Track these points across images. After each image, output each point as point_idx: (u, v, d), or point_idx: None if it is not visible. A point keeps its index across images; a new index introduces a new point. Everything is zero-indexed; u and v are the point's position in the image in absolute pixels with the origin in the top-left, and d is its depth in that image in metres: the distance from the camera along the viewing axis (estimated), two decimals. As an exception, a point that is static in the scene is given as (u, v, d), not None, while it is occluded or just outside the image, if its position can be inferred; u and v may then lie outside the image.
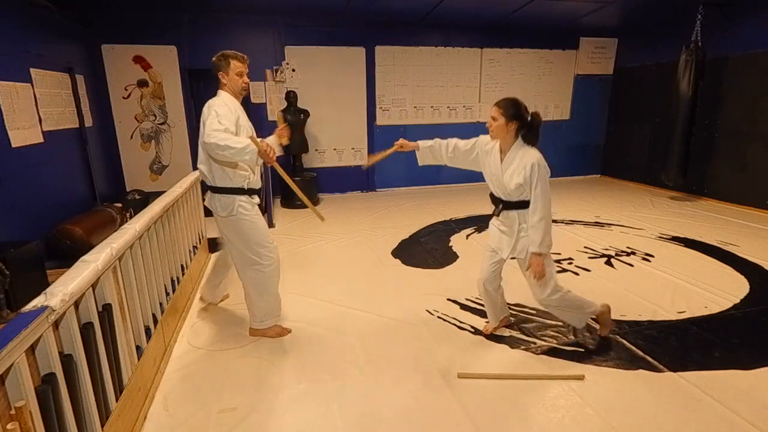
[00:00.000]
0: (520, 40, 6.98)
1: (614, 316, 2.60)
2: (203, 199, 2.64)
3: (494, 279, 2.46)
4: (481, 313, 2.86)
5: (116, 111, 5.64)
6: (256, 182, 2.52)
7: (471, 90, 7.03)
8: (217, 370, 2.33)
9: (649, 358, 2.36)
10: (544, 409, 2.01)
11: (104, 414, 1.61)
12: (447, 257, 3.97)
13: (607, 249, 4.09)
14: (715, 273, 3.51)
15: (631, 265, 3.69)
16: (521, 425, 1.90)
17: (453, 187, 7.05)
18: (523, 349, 2.47)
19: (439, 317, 2.86)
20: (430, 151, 2.45)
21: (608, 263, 3.75)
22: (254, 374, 2.28)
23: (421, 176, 6.99)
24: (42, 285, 2.75)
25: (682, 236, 4.43)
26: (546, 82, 7.31)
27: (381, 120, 6.71)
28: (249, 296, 2.59)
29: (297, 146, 5.83)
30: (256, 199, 2.52)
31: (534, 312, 2.86)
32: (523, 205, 2.21)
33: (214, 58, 2.40)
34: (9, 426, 1.10)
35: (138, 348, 2.02)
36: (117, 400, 1.72)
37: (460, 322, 2.79)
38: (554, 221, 4.40)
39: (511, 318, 2.75)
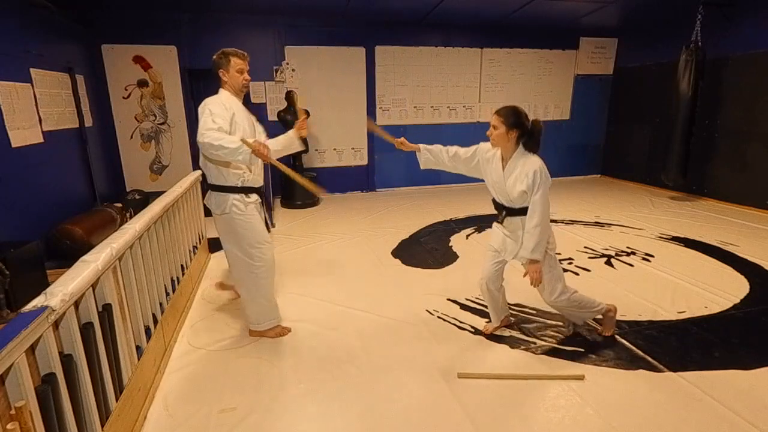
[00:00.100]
0: (520, 40, 6.98)
1: (616, 316, 2.60)
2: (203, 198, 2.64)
3: (496, 278, 2.47)
4: (481, 313, 2.86)
5: (116, 111, 5.64)
6: (255, 180, 2.48)
7: (471, 90, 7.03)
8: (217, 370, 2.33)
9: (649, 358, 2.36)
10: (544, 409, 2.01)
11: (104, 414, 1.61)
12: (447, 257, 3.97)
13: (607, 249, 4.09)
14: (715, 273, 3.51)
15: (631, 265, 3.69)
16: (521, 425, 1.90)
17: (453, 187, 7.05)
18: (523, 349, 2.47)
19: (439, 317, 2.86)
20: (431, 155, 2.45)
21: (608, 263, 3.75)
22: (254, 374, 2.28)
23: (421, 176, 6.98)
24: (42, 285, 2.75)
25: (682, 236, 4.43)
26: (546, 82, 7.31)
27: (381, 120, 6.70)
28: (242, 297, 2.59)
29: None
30: (253, 198, 2.47)
31: (534, 312, 2.86)
32: (527, 211, 2.22)
33: (214, 56, 2.40)
34: (9, 426, 1.10)
35: (138, 348, 2.01)
36: (117, 400, 1.72)
37: (460, 322, 2.79)
38: (554, 221, 4.39)
39: (512, 318, 2.75)
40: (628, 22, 6.78)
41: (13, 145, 3.45)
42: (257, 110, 6.05)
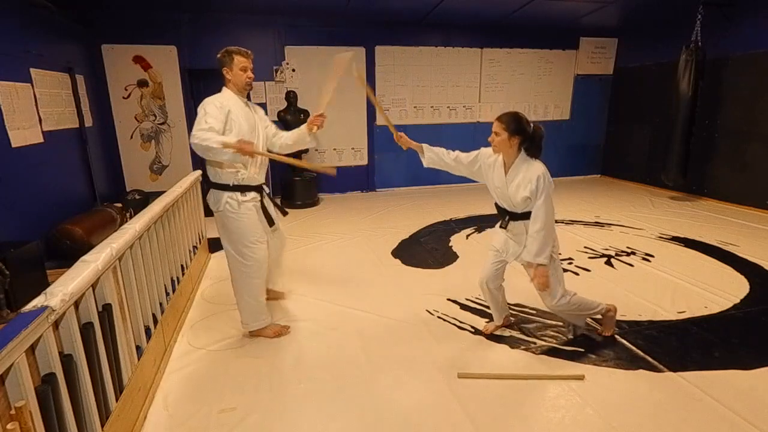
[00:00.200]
0: (520, 40, 6.98)
1: (616, 316, 2.60)
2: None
3: (496, 278, 2.47)
4: (481, 313, 2.86)
5: (116, 111, 5.64)
6: (252, 179, 2.49)
7: (471, 90, 7.03)
8: (217, 370, 2.33)
9: (649, 358, 2.36)
10: (544, 409, 2.01)
11: (104, 414, 1.61)
12: (447, 257, 3.97)
13: (607, 249, 4.09)
14: (715, 273, 3.51)
15: (631, 265, 3.69)
16: (521, 425, 1.90)
17: (453, 187, 7.05)
18: (523, 349, 2.47)
19: (439, 317, 2.86)
20: (434, 154, 2.45)
21: (608, 263, 3.75)
22: (254, 374, 2.27)
23: (421, 176, 6.98)
24: (42, 285, 2.75)
25: (682, 236, 4.43)
26: (546, 82, 7.31)
27: (381, 120, 6.69)
28: (235, 295, 2.62)
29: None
30: (250, 196, 2.48)
31: (534, 312, 2.86)
32: (530, 216, 2.23)
33: (218, 54, 2.43)
34: (9, 426, 1.10)
35: (138, 348, 2.01)
36: (117, 400, 1.72)
37: (460, 322, 2.79)
38: (555, 221, 4.39)
39: (512, 318, 2.75)
40: (628, 22, 6.78)
41: (13, 145, 3.45)
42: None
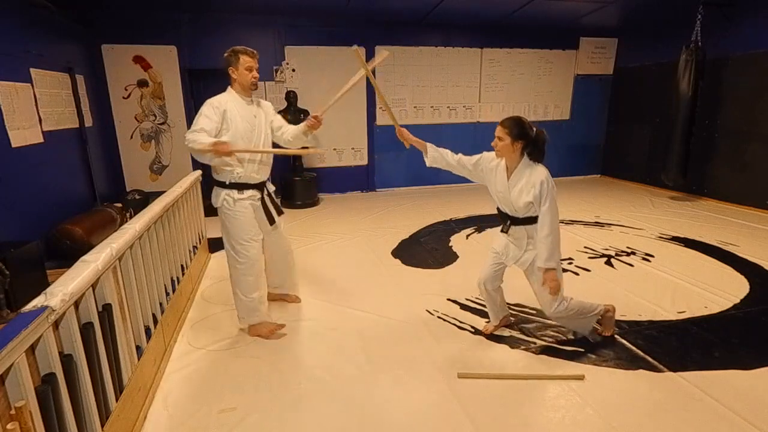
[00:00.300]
0: (520, 40, 6.98)
1: (615, 316, 2.60)
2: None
3: (494, 280, 2.47)
4: (481, 313, 2.86)
5: (116, 111, 5.64)
6: (250, 177, 2.52)
7: (471, 90, 7.03)
8: (217, 370, 2.33)
9: (649, 358, 2.36)
10: (544, 409, 2.01)
11: (104, 414, 1.61)
12: (447, 257, 3.97)
13: (607, 249, 4.09)
14: (715, 273, 3.51)
15: (631, 265, 3.69)
16: (521, 425, 1.90)
17: (453, 187, 7.05)
18: (523, 349, 2.47)
19: (439, 317, 2.86)
20: (437, 153, 2.45)
21: (608, 263, 3.75)
22: (254, 374, 2.27)
23: (421, 176, 6.99)
24: (42, 285, 2.75)
25: (682, 236, 4.43)
26: (546, 82, 7.31)
27: (381, 120, 6.70)
28: (232, 289, 2.66)
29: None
30: (247, 194, 2.51)
31: (534, 312, 2.86)
32: (531, 220, 2.24)
33: (225, 54, 2.46)
34: (9, 426, 1.10)
35: (138, 348, 2.01)
36: (117, 400, 1.72)
37: (460, 322, 2.79)
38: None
39: (511, 318, 2.75)
40: (628, 22, 6.78)
41: (13, 145, 3.45)
42: (257, 110, 6.05)
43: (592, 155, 7.90)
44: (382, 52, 2.70)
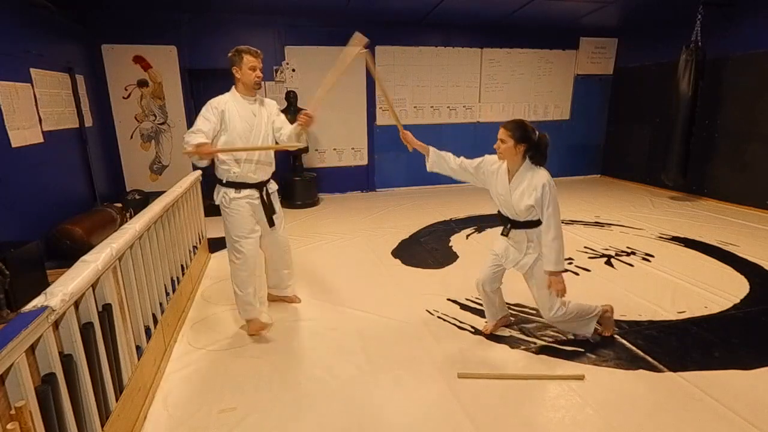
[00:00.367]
0: (520, 40, 6.98)
1: (614, 316, 2.60)
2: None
3: (493, 281, 2.47)
4: (481, 313, 2.85)
5: (116, 111, 5.64)
6: (247, 176, 2.53)
7: (471, 90, 7.03)
8: (217, 370, 2.33)
9: (649, 358, 2.36)
10: (544, 409, 2.01)
11: (104, 414, 1.61)
12: (447, 257, 3.97)
13: (607, 249, 4.09)
14: (715, 273, 3.51)
15: (631, 265, 3.69)
16: (521, 425, 1.90)
17: (453, 187, 7.04)
18: (523, 349, 2.47)
19: (439, 317, 2.86)
20: (438, 158, 2.44)
21: (608, 263, 3.75)
22: (254, 374, 2.28)
23: (421, 176, 6.98)
24: (42, 285, 2.75)
25: (682, 236, 4.43)
26: (546, 82, 7.31)
27: (381, 120, 6.70)
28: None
29: (297, 146, 5.83)
30: (244, 193, 2.54)
31: (534, 312, 2.86)
32: (532, 224, 2.23)
33: (229, 54, 2.48)
34: (9, 426, 1.10)
35: (138, 348, 2.01)
36: (117, 400, 1.72)
37: (460, 322, 2.79)
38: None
39: (511, 318, 2.75)
40: (628, 22, 6.78)
41: (13, 145, 3.45)
42: (257, 110, 6.05)
43: (592, 155, 7.90)
44: (359, 37, 2.62)
